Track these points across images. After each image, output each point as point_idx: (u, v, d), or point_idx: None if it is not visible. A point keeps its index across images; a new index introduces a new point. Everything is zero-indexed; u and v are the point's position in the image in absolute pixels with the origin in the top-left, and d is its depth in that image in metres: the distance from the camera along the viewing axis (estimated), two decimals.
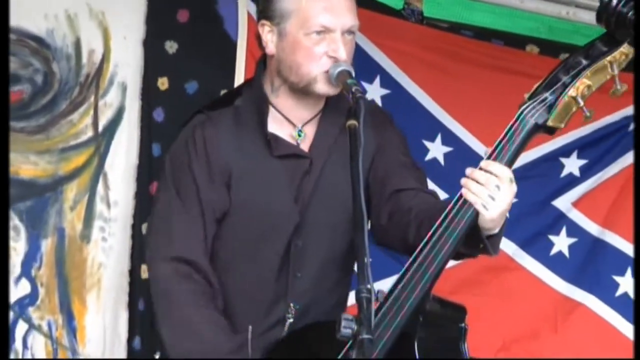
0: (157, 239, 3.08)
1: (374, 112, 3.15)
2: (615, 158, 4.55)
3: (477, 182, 2.73)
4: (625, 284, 4.60)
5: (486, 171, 2.72)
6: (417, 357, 2.81)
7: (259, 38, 3.07)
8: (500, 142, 2.78)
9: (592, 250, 4.57)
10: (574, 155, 4.57)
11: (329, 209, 2.96)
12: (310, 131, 3.06)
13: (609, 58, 2.78)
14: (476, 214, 2.73)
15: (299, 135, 3.06)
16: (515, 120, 2.82)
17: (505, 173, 2.72)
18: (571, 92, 2.78)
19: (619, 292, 4.57)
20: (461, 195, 2.76)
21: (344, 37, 2.96)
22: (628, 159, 4.55)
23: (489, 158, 2.78)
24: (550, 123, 2.78)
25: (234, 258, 3.04)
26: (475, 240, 2.81)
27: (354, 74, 2.93)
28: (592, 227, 4.60)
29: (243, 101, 3.12)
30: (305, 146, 3.05)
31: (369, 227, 3.16)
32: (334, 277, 3.00)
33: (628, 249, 4.57)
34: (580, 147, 4.56)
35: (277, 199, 3.04)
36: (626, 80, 2.79)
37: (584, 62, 2.82)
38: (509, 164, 2.76)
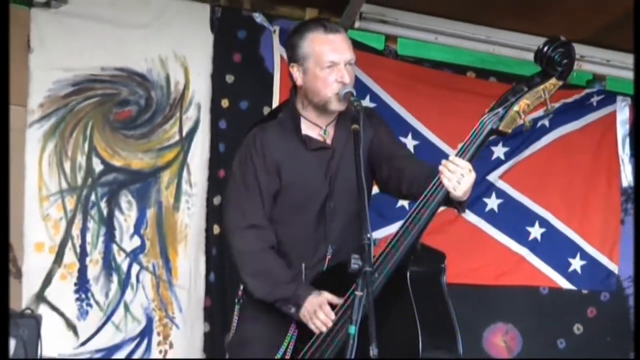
0: (232, 214, 3.58)
1: (372, 114, 3.70)
2: (527, 146, 5.20)
3: (449, 170, 3.20)
4: (534, 232, 5.18)
5: (455, 164, 3.20)
6: (409, 284, 3.24)
7: (290, 75, 3.58)
8: (467, 141, 3.25)
9: (512, 207, 5.17)
10: (501, 144, 5.17)
11: (347, 181, 3.35)
12: (331, 131, 3.57)
13: (541, 87, 3.24)
14: (448, 191, 3.22)
15: (325, 133, 3.58)
16: (478, 126, 3.26)
17: (467, 166, 3.22)
18: (516, 108, 3.24)
19: (531, 237, 5.18)
20: (438, 178, 3.22)
21: (346, 67, 3.47)
22: (536, 146, 5.20)
23: (459, 152, 3.25)
24: (501, 128, 3.26)
25: (289, 217, 3.55)
26: (449, 200, 3.29)
27: (355, 93, 3.44)
28: (513, 192, 5.20)
29: (283, 115, 3.63)
30: (329, 141, 3.57)
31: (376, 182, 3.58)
32: (355, 227, 3.31)
33: (535, 207, 5.18)
34: (505, 139, 4.93)
35: (313, 177, 3.54)
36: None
37: (525, 88, 3.25)
38: (472, 157, 3.23)
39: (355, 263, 2.93)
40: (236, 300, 3.68)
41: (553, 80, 3.25)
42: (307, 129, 3.59)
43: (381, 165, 3.56)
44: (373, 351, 2.85)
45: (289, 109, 3.65)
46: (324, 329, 3.36)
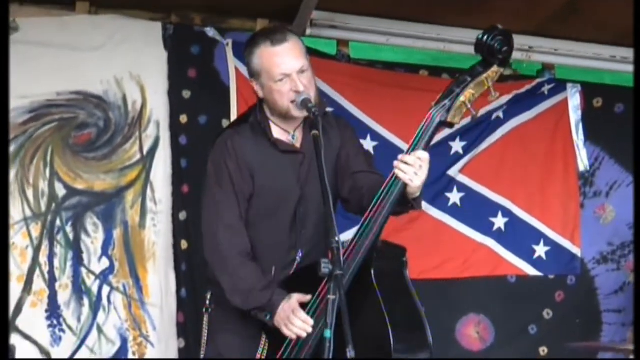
0: (209, 216, 3.57)
1: (337, 119, 3.76)
2: (484, 139, 5.22)
3: (407, 164, 3.23)
4: (497, 223, 5.20)
5: (413, 157, 3.23)
6: (374, 281, 3.26)
7: (253, 90, 3.62)
8: (418, 135, 3.29)
9: (474, 200, 5.19)
10: (458, 139, 5.16)
11: (317, 186, 3.28)
12: (299, 135, 3.60)
13: (484, 75, 3.31)
14: (404, 185, 3.25)
15: (293, 138, 3.61)
16: (426, 120, 3.32)
17: (426, 156, 3.27)
18: (461, 98, 3.30)
19: (495, 228, 5.20)
20: (394, 174, 3.25)
21: (299, 75, 3.48)
22: (493, 138, 5.22)
23: (411, 147, 3.29)
24: (449, 120, 3.31)
25: (261, 221, 3.56)
26: (406, 202, 3.33)
27: (312, 100, 3.43)
28: (474, 185, 5.20)
29: (254, 119, 3.63)
30: (298, 144, 3.60)
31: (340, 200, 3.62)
32: (323, 231, 3.33)
33: (496, 198, 5.20)
34: (462, 133, 5.11)
35: (286, 182, 3.56)
36: (498, 88, 3.35)
37: (469, 78, 3.33)
38: (424, 149, 3.27)
39: (325, 267, 2.94)
40: (204, 310, 3.69)
41: (495, 68, 3.31)
42: (277, 133, 3.63)
43: (344, 183, 3.61)
44: (350, 353, 2.86)
45: (258, 114, 3.67)
46: (304, 335, 3.36)
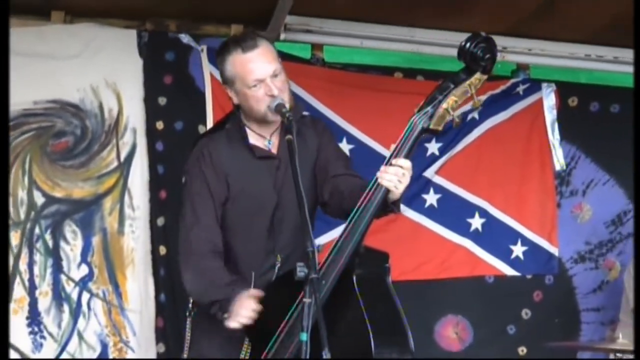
0: (187, 219, 3.59)
1: (314, 121, 3.78)
2: (459, 140, 5.23)
3: (389, 173, 3.25)
4: (474, 223, 5.20)
5: (396, 165, 3.26)
6: (355, 287, 3.26)
7: (228, 96, 3.64)
8: (400, 142, 3.30)
9: (451, 201, 5.19)
10: (434, 140, 5.18)
11: (294, 191, 3.22)
12: (275, 140, 3.62)
13: (467, 82, 3.31)
14: (387, 191, 3.28)
15: (269, 143, 3.63)
16: (409, 127, 3.32)
17: (408, 164, 3.29)
18: (444, 105, 3.30)
19: (472, 229, 5.19)
20: (376, 180, 3.28)
21: (273, 79, 3.52)
22: (468, 139, 5.22)
23: (393, 154, 3.30)
24: (432, 127, 3.32)
25: (238, 227, 3.58)
26: (386, 206, 3.35)
27: (287, 104, 3.47)
28: (450, 186, 5.21)
29: (230, 125, 3.67)
30: (274, 150, 3.61)
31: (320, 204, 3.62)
32: (301, 236, 3.18)
33: (473, 198, 5.20)
34: (437, 135, 4.89)
35: (261, 187, 3.58)
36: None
37: (451, 85, 3.32)
38: (406, 157, 3.29)
39: (300, 271, 2.97)
40: (187, 313, 3.71)
41: (478, 75, 3.33)
42: (253, 139, 3.66)
43: (323, 186, 3.62)
44: (326, 355, 2.87)
45: (234, 120, 3.70)
46: (245, 321, 3.38)
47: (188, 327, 3.70)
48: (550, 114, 5.32)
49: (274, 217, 3.61)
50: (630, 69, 5.27)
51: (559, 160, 5.31)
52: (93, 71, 4.85)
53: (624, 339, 4.01)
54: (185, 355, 3.72)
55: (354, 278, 3.30)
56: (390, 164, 3.29)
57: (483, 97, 5.11)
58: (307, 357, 2.92)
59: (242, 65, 3.54)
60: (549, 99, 5.32)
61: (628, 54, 5.27)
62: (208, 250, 3.54)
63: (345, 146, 5.04)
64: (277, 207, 3.60)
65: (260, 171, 3.62)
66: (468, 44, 3.27)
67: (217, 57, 3.65)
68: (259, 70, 3.52)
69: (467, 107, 5.04)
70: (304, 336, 2.92)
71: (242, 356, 3.52)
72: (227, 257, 3.60)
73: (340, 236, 3.32)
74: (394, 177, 3.28)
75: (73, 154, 4.85)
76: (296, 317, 3.33)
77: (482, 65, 3.29)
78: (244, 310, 3.37)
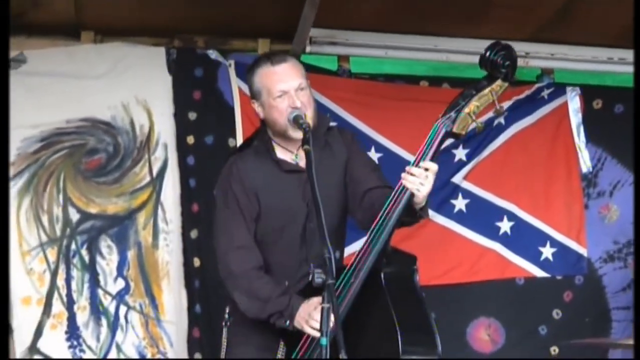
0: (221, 239, 3.65)
1: (342, 132, 3.82)
2: (486, 146, 5.24)
3: (413, 175, 3.30)
4: (503, 227, 5.21)
5: (420, 167, 3.30)
6: (384, 285, 3.31)
7: (255, 111, 3.71)
8: (424, 146, 3.37)
9: (479, 206, 5.20)
10: (461, 147, 5.19)
11: (323, 201, 3.22)
12: (302, 154, 3.51)
13: (488, 89, 3.39)
14: (411, 194, 3.32)
15: (296, 157, 3.67)
16: (432, 131, 3.39)
17: (433, 167, 3.34)
18: (466, 110, 3.38)
19: (501, 232, 5.20)
20: (401, 184, 3.32)
21: (297, 92, 3.58)
22: (495, 144, 5.23)
23: (417, 157, 3.35)
24: (454, 130, 3.39)
25: (270, 240, 3.63)
26: (413, 211, 3.39)
27: (309, 118, 3.50)
28: (478, 191, 5.22)
29: (257, 142, 3.73)
30: (302, 164, 3.58)
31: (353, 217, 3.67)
32: (334, 243, 3.26)
33: (501, 202, 5.21)
34: (465, 141, 5.12)
35: (291, 200, 3.63)
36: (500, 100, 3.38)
37: (474, 91, 3.40)
38: (431, 160, 3.33)
39: (318, 277, 3.01)
40: (223, 324, 3.75)
41: (499, 82, 3.40)
42: (280, 153, 3.71)
43: (356, 201, 3.65)
44: (342, 357, 2.92)
45: (261, 136, 3.76)
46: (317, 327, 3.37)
47: (224, 336, 3.75)
48: (575, 117, 5.32)
49: (305, 228, 3.65)
50: None
51: (585, 162, 5.31)
52: (123, 89, 4.90)
53: None
54: None
55: (382, 276, 3.36)
56: (417, 165, 3.35)
57: (508, 103, 5.13)
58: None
59: (269, 76, 3.62)
60: (573, 102, 5.32)
61: None
62: (250, 268, 3.59)
63: (373, 155, 5.07)
64: (307, 218, 3.64)
65: (289, 184, 3.67)
66: (488, 53, 3.37)
67: (248, 72, 3.74)
68: (284, 82, 3.61)
69: (493, 113, 5.10)
70: (324, 341, 2.97)
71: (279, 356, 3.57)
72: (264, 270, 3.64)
73: (367, 239, 3.38)
74: (417, 179, 3.33)
75: (106, 170, 4.91)
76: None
77: (503, 72, 3.37)
78: (314, 322, 3.39)
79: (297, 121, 3.52)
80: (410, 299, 3.42)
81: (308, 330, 3.40)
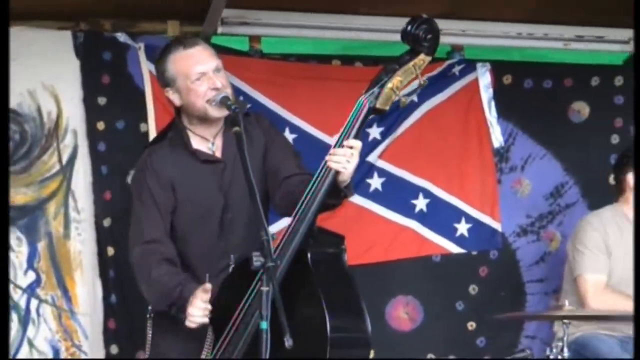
0: (132, 233, 3.66)
1: (259, 119, 3.78)
2: (400, 123, 5.22)
3: (338, 154, 3.29)
4: (419, 204, 5.21)
5: (346, 146, 3.30)
6: (311, 266, 3.28)
7: (168, 100, 3.66)
8: (347, 123, 3.36)
9: (395, 184, 5.20)
10: (375, 125, 5.16)
11: (242, 190, 3.34)
12: (219, 142, 3.62)
13: (411, 63, 3.40)
14: (335, 173, 3.30)
15: (213, 145, 3.65)
16: (356, 107, 3.38)
17: (358, 144, 3.34)
18: (389, 85, 3.37)
19: (417, 210, 5.22)
20: (324, 166, 3.31)
21: (215, 73, 3.57)
22: (409, 122, 5.22)
23: (342, 135, 3.35)
24: (378, 106, 3.37)
25: (189, 232, 3.62)
26: (337, 191, 3.39)
27: (231, 98, 3.49)
28: (393, 169, 5.21)
29: (172, 133, 3.70)
30: (218, 153, 3.62)
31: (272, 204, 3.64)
32: (254, 234, 3.20)
33: (416, 180, 5.21)
34: (379, 120, 5.09)
35: (208, 191, 3.61)
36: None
37: (396, 66, 3.40)
38: (355, 137, 3.34)
39: (257, 260, 2.98)
40: (148, 316, 3.70)
41: (422, 56, 3.42)
42: (196, 143, 3.68)
43: (275, 188, 3.63)
44: (288, 342, 2.89)
45: (176, 127, 3.72)
46: (203, 321, 3.41)
47: (149, 329, 3.70)
48: (486, 93, 5.34)
49: (223, 219, 3.63)
50: (559, 44, 5.38)
51: (497, 137, 5.34)
52: (29, 75, 4.78)
53: (570, 306, 4.11)
54: (147, 355, 3.73)
55: (309, 257, 3.33)
56: (342, 146, 3.33)
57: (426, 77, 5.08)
58: (268, 344, 2.92)
59: (184, 60, 3.59)
60: (484, 78, 5.34)
61: (556, 30, 5.35)
62: (155, 260, 3.57)
63: (288, 135, 5.02)
64: (225, 209, 3.63)
65: (205, 175, 3.65)
66: (410, 27, 3.36)
67: (159, 60, 3.69)
68: (202, 63, 3.59)
69: (406, 90, 4.76)
70: (264, 324, 2.92)
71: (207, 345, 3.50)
72: (182, 265, 3.61)
73: (292, 220, 3.34)
74: (342, 157, 3.32)
75: (13, 159, 4.78)
76: (249, 305, 3.33)
77: (425, 45, 3.37)
78: (195, 309, 3.40)
79: (224, 103, 3.47)
80: (340, 280, 3.40)
81: (187, 324, 3.42)
